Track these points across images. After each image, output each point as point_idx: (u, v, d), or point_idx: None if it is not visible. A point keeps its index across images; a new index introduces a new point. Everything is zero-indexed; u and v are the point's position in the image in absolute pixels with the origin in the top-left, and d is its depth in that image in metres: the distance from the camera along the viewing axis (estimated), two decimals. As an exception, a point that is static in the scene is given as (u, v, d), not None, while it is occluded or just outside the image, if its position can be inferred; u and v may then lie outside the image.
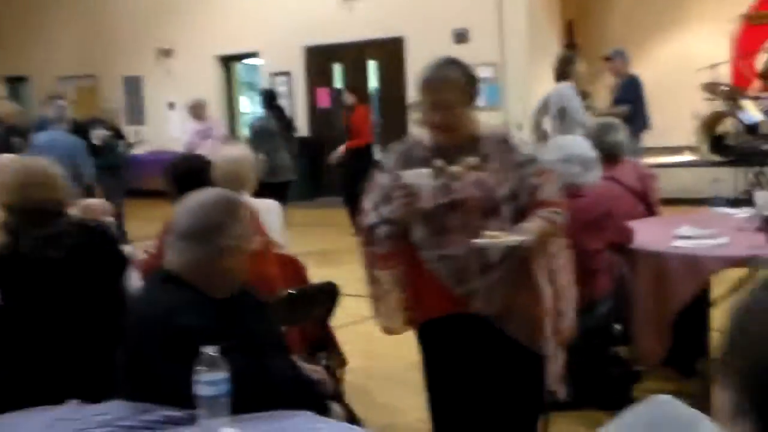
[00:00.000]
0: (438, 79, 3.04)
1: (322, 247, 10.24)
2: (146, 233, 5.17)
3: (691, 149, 11.69)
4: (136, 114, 17.14)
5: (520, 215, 3.01)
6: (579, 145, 4.15)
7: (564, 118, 7.61)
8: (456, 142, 3.08)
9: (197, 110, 11.53)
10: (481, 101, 11.04)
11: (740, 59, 12.03)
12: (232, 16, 15.23)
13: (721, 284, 4.60)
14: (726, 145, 10.62)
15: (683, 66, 12.08)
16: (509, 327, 3.01)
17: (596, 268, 4.03)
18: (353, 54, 14.15)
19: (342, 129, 11.24)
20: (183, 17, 15.97)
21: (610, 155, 4.99)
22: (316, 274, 4.41)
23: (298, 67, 14.78)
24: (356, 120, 10.83)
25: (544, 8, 12.74)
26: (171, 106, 16.58)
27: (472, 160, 3.04)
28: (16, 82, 19.62)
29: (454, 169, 3.02)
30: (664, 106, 10.85)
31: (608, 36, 13.44)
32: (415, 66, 13.37)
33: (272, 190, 9.37)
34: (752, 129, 10.59)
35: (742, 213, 4.83)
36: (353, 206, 10.48)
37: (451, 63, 3.11)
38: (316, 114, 14.69)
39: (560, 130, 7.31)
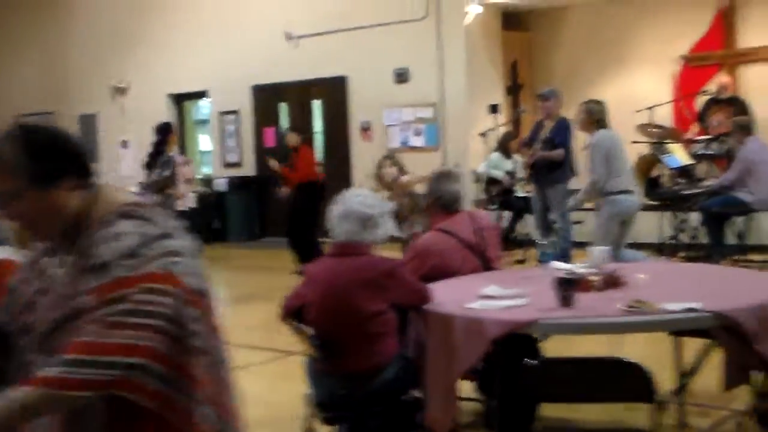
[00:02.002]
0: None
1: (257, 289, 10.10)
2: None
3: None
4: (91, 152, 16.98)
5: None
6: (360, 201, 3.94)
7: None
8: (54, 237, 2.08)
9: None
10: (419, 141, 10.93)
11: (680, 101, 11.86)
12: (183, 55, 15.15)
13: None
14: (657, 189, 10.40)
15: (628, 107, 11.87)
16: None
17: (379, 331, 3.81)
18: (298, 93, 14.05)
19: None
20: (136, 55, 15.89)
21: (444, 205, 4.81)
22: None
23: (245, 107, 14.67)
24: (301, 160, 10.74)
25: (485, 49, 12.61)
26: (124, 144, 16.48)
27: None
28: (-22, 119, 19.57)
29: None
30: None
31: (552, 77, 13.28)
32: (358, 105, 13.32)
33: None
34: (686, 173, 10.37)
35: (576, 269, 4.62)
36: (298, 243, 10.42)
37: (6, 137, 2.05)
38: (263, 153, 14.54)
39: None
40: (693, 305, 3.60)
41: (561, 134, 9.30)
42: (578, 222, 10.49)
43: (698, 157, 10.47)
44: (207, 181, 15.10)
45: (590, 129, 7.79)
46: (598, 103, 7.98)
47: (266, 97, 14.42)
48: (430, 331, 3.89)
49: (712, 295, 3.90)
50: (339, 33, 13.05)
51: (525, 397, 3.45)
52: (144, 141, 16.00)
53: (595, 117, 7.74)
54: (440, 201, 4.76)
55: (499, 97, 12.51)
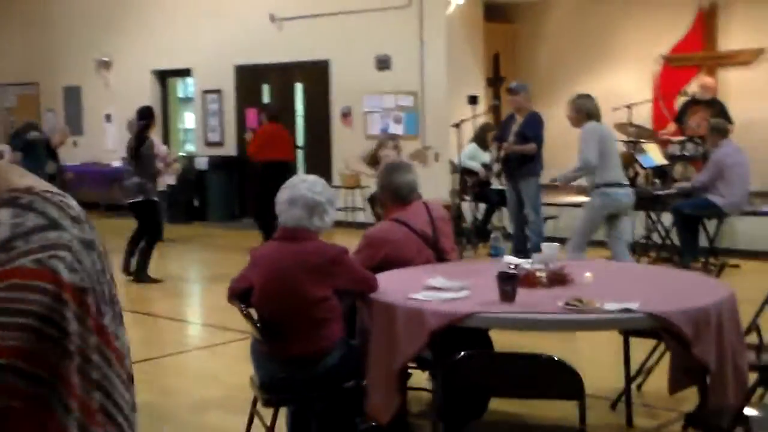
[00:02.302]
0: None
1: (234, 269, 10.14)
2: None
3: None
4: (75, 124, 16.95)
5: None
6: (308, 187, 3.96)
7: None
8: None
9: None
10: (399, 129, 10.93)
11: (659, 101, 11.91)
12: (167, 32, 15.10)
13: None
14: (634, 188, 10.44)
15: (609, 104, 11.89)
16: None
17: (324, 317, 3.84)
18: (281, 75, 14.05)
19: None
20: (121, 30, 15.83)
21: (397, 196, 4.83)
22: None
23: (228, 86, 14.66)
24: (255, 138, 10.93)
25: (466, 40, 12.62)
26: (108, 118, 16.45)
27: None
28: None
29: None
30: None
31: (535, 70, 13.33)
32: (340, 90, 13.33)
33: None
34: (662, 173, 10.43)
35: (525, 263, 4.67)
36: (263, 224, 10.50)
37: None
38: (244, 133, 14.53)
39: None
40: (630, 306, 3.65)
41: (532, 128, 9.34)
42: (552, 217, 10.56)
43: (674, 158, 10.54)
44: (189, 158, 15.08)
45: (581, 124, 7.53)
46: (588, 97, 7.79)
47: (249, 77, 14.41)
48: (373, 319, 3.93)
49: (654, 297, 3.95)
50: (323, 17, 13.05)
51: (459, 389, 3.48)
52: (128, 116, 16.04)
53: (585, 112, 7.51)
54: (393, 192, 4.79)
55: (479, 88, 12.53)
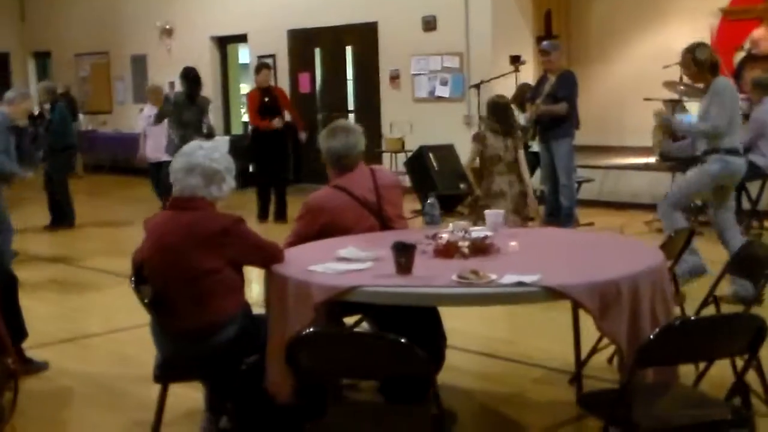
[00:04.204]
0: None
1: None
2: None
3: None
4: (141, 92, 17.20)
5: None
6: (205, 154, 3.78)
7: None
8: None
9: (154, 95, 11.48)
10: (445, 91, 10.70)
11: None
12: (224, -2, 15.16)
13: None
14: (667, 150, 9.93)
15: (663, 61, 11.36)
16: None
17: (215, 289, 3.68)
18: (331, 39, 13.89)
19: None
20: (182, -4, 15.97)
21: (337, 162, 4.63)
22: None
23: (282, 51, 14.58)
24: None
25: (513, -2, 12.21)
26: (172, 85, 16.57)
27: None
28: (40, 57, 19.99)
29: None
30: (642, 102, 10.26)
31: (587, 28, 12.84)
32: (387, 52, 13.08)
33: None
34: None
35: (475, 231, 4.41)
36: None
37: None
38: (297, 99, 14.45)
39: None
40: (527, 278, 3.38)
41: (564, 88, 8.97)
42: (588, 180, 10.16)
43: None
44: (245, 124, 15.09)
45: (704, 79, 6.36)
46: (705, 46, 6.49)
47: (301, 42, 14.31)
48: (270, 292, 3.76)
49: (567, 269, 3.67)
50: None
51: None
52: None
53: (707, 63, 6.29)
54: (331, 157, 4.59)
55: (528, 48, 12.09)
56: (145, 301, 3.70)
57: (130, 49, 17.34)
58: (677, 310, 4.47)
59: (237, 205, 12.55)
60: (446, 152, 11.02)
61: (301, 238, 4.48)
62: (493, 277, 3.42)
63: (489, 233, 4.35)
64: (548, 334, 5.46)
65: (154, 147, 10.91)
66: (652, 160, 10.93)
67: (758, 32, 10.18)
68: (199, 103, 9.58)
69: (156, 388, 3.81)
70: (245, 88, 15.71)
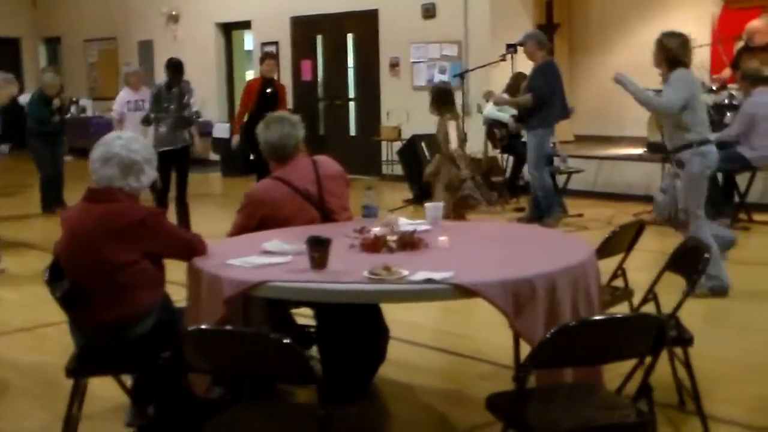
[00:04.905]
0: None
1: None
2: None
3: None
4: (150, 78, 17.21)
5: None
6: (123, 144, 3.72)
7: None
8: None
9: (133, 79, 11.42)
10: (444, 80, 10.57)
11: (717, 45, 11.07)
12: (228, -17, 15.11)
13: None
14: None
15: (665, 50, 11.19)
16: None
17: (129, 282, 3.62)
18: (333, 26, 13.81)
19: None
20: (187, -18, 15.94)
21: (275, 153, 4.57)
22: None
23: (285, 39, 14.52)
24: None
25: (513, -16, 12.06)
26: (176, 72, 16.56)
27: None
28: (51, 43, 20.07)
29: None
30: None
31: (589, 16, 12.67)
32: (388, 40, 12.98)
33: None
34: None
35: (415, 225, 4.34)
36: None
37: None
38: (299, 86, 14.41)
39: None
40: (437, 275, 3.31)
41: (535, 79, 8.92)
42: (578, 171, 10.04)
43: (722, 107, 9.78)
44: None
45: (661, 66, 6.10)
46: (676, 35, 6.18)
47: (304, 29, 14.24)
48: (188, 285, 3.71)
49: (490, 264, 3.59)
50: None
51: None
52: (195, 69, 16.14)
53: (670, 53, 6.01)
54: (270, 149, 4.53)
55: (527, 36, 11.92)
56: (57, 295, 3.64)
57: (137, 35, 17.36)
58: (625, 307, 4.38)
59: (243, 191, 12.63)
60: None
61: (241, 230, 4.44)
62: (405, 273, 3.35)
63: (427, 227, 4.30)
64: (504, 328, 5.34)
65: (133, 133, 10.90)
66: (640, 151, 10.80)
67: (754, 24, 9.97)
68: (180, 89, 9.41)
69: (94, 381, 3.78)
70: (250, 75, 15.68)
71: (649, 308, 4.16)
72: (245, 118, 10.43)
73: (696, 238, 4.52)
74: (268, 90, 10.93)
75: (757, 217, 8.90)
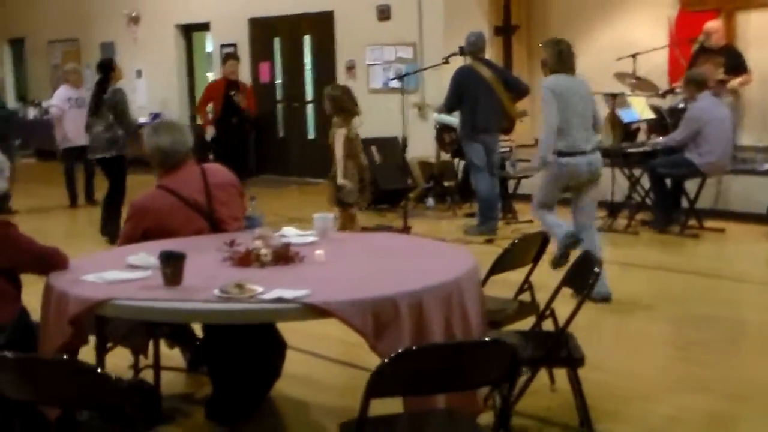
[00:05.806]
0: None
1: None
2: None
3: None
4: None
5: None
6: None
7: None
8: None
9: (73, 77, 11.24)
10: (399, 82, 10.35)
11: (674, 48, 10.87)
12: (187, -16, 14.87)
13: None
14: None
15: (623, 52, 10.98)
16: None
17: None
18: (290, 27, 13.58)
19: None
20: (147, -16, 15.69)
21: (164, 161, 4.35)
22: None
23: (243, 40, 14.28)
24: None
25: (468, -15, 11.84)
26: (138, 73, 16.35)
27: None
28: (15, 44, 19.78)
29: None
30: (601, 96, 9.86)
31: (548, 17, 12.46)
32: (344, 42, 12.75)
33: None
34: (662, 127, 9.50)
35: (306, 238, 4.13)
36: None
37: None
38: (258, 89, 14.16)
39: None
40: (289, 294, 3.09)
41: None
42: (526, 177, 9.82)
43: (675, 111, 9.57)
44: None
45: (546, 73, 6.09)
46: (555, 42, 6.19)
47: (262, 31, 14.00)
48: (42, 303, 3.48)
49: (352, 282, 3.36)
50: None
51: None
52: (156, 70, 15.92)
53: (550, 60, 6.00)
54: (157, 156, 4.31)
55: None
56: None
57: (99, 36, 17.08)
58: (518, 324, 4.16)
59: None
60: (390, 145, 10.71)
61: (127, 241, 4.23)
62: (259, 290, 3.13)
63: (314, 239, 4.09)
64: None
65: (75, 131, 10.68)
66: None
67: (712, 24, 9.80)
68: (109, 97, 8.97)
69: None
70: (211, 77, 15.44)
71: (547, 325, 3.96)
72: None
73: (588, 251, 4.31)
74: (232, 92, 10.75)
75: (708, 224, 8.69)
